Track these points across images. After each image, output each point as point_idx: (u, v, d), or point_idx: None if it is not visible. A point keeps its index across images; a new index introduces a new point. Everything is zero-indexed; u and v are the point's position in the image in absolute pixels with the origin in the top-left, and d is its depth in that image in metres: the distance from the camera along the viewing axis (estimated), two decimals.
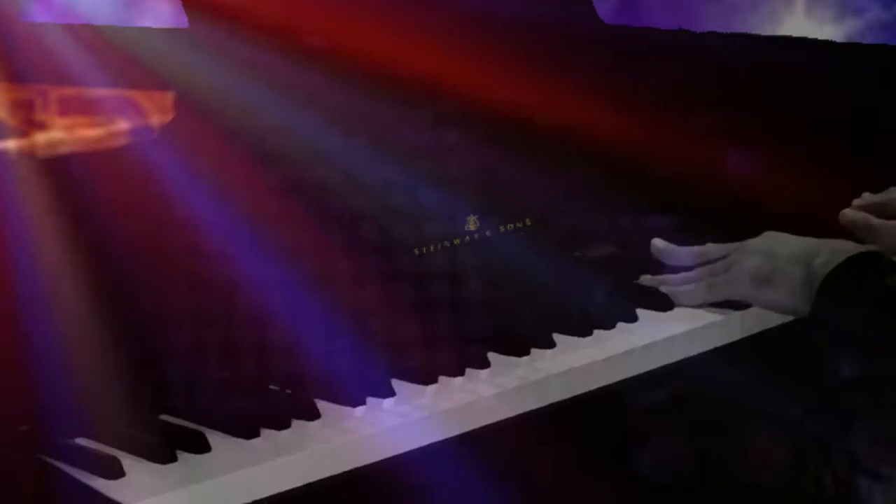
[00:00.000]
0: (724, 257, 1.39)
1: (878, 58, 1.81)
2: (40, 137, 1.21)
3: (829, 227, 1.59)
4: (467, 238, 1.38)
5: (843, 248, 1.28)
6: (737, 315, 1.35)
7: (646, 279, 1.43)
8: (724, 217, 1.56)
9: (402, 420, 1.12)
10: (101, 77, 1.24)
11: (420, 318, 1.25)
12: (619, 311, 1.34)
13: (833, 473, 0.89)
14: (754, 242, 1.37)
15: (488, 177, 1.41)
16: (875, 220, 1.51)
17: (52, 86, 1.23)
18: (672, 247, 1.45)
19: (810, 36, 1.99)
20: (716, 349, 1.31)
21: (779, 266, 1.30)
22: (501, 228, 1.42)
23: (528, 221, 1.44)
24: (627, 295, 1.38)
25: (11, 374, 1.09)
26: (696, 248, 1.43)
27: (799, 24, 2.15)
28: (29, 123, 1.21)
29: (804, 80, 1.65)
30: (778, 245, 1.34)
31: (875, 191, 1.58)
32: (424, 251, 1.35)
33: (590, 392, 1.23)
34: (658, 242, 1.46)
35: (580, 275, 1.40)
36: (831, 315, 1.21)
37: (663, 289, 1.39)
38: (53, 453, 1.07)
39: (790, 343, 1.26)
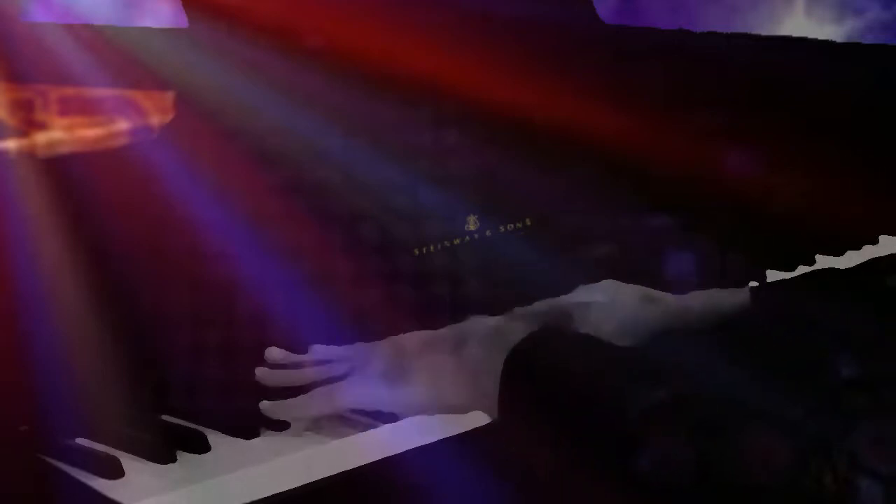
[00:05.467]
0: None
1: (878, 58, 1.81)
2: (40, 137, 1.21)
3: (828, 227, 1.59)
4: (467, 238, 1.38)
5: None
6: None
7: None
8: (724, 217, 1.56)
9: (402, 420, 1.12)
10: (101, 77, 1.24)
11: (420, 318, 1.25)
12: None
13: (834, 473, 0.89)
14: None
15: (488, 177, 1.40)
16: None
17: (52, 86, 1.23)
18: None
19: (810, 36, 1.99)
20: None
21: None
22: (501, 228, 1.42)
23: (528, 221, 1.44)
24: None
25: (11, 374, 1.09)
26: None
27: (799, 24, 2.16)
28: (29, 123, 1.21)
29: (804, 80, 1.66)
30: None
31: (875, 190, 1.58)
32: (424, 251, 1.35)
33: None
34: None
35: (580, 275, 1.40)
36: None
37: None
38: (53, 453, 1.07)
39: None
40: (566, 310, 1.20)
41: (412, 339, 1.15)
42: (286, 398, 1.13)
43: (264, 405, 1.13)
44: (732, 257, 1.52)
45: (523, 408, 1.06)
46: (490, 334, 1.10)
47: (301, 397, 1.13)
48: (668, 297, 1.25)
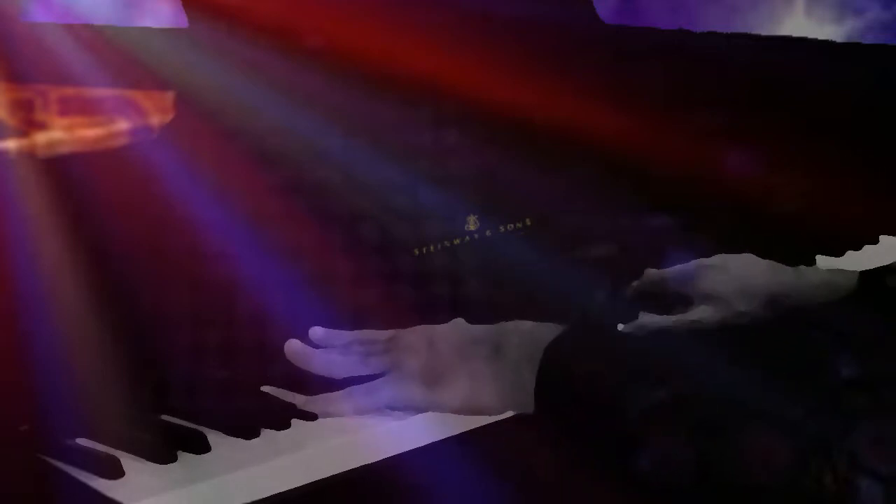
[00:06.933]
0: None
1: (878, 58, 1.81)
2: (40, 137, 1.21)
3: (828, 227, 1.59)
4: (467, 238, 1.38)
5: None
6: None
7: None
8: (724, 217, 1.56)
9: (402, 420, 1.12)
10: (101, 77, 1.24)
11: (420, 318, 1.25)
12: (618, 311, 1.34)
13: (834, 473, 0.89)
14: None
15: (488, 177, 1.40)
16: None
17: (52, 86, 1.23)
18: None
19: (810, 36, 1.99)
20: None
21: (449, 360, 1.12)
22: (501, 228, 1.42)
23: (528, 221, 1.44)
24: (627, 295, 1.38)
25: (11, 374, 1.09)
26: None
27: (799, 24, 2.16)
28: (29, 123, 1.21)
29: (804, 80, 1.66)
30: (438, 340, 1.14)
31: (875, 190, 1.58)
32: (424, 251, 1.35)
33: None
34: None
35: (580, 275, 1.40)
36: None
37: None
38: (53, 453, 1.07)
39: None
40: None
41: (448, 340, 1.14)
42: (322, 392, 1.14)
43: (300, 400, 1.13)
44: None
45: (559, 408, 1.07)
46: (526, 338, 1.10)
47: (338, 393, 1.14)
48: (785, 268, 1.33)
